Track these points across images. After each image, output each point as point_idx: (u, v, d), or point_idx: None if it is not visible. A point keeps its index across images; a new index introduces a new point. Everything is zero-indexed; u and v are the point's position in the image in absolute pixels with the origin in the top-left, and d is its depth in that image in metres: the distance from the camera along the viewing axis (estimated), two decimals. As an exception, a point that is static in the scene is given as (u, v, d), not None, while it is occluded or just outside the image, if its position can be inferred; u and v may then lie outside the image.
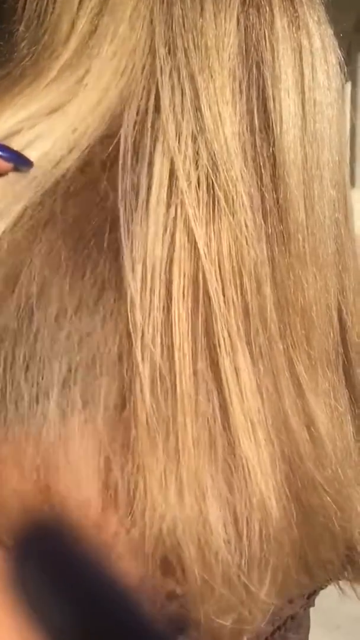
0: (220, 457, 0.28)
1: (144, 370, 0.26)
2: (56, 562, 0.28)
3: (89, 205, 0.28)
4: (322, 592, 0.41)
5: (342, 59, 0.35)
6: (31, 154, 0.28)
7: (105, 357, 0.26)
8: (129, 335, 0.26)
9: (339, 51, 0.35)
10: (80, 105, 0.29)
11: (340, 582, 0.39)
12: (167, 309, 0.27)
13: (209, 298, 0.28)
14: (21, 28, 0.30)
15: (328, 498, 0.32)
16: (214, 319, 0.28)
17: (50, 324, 0.25)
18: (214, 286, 0.28)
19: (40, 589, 0.27)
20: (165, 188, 0.28)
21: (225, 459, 0.28)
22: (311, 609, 0.43)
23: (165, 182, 0.28)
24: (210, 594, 0.28)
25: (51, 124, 0.28)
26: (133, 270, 0.27)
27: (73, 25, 0.29)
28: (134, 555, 0.28)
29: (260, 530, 0.28)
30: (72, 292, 0.26)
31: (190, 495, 0.27)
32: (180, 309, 0.27)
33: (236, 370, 0.28)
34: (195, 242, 0.28)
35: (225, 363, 0.28)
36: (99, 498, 0.27)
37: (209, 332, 0.28)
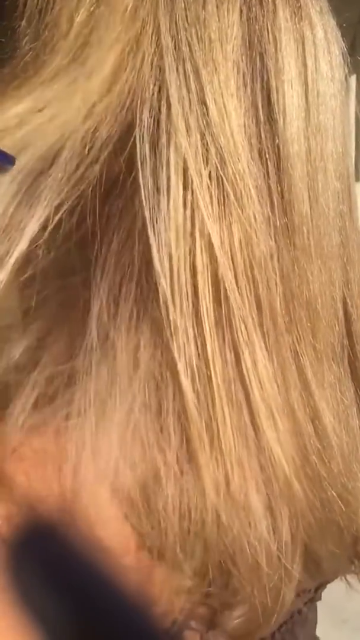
0: (252, 444, 0.29)
1: (181, 364, 0.28)
2: (57, 562, 0.28)
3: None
4: (329, 587, 0.41)
5: (346, 49, 0.35)
6: (27, 150, 0.27)
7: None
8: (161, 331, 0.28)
9: (342, 42, 0.34)
10: (84, 99, 0.28)
11: (347, 576, 0.39)
12: (196, 304, 0.28)
13: (227, 292, 0.29)
14: (23, 24, 0.30)
15: (333, 492, 0.32)
16: (232, 313, 0.29)
17: None
18: (229, 280, 0.29)
19: (39, 589, 0.27)
20: (181, 187, 0.28)
21: (255, 445, 0.29)
22: (318, 604, 0.43)
23: (181, 181, 0.28)
24: (259, 578, 0.30)
25: (50, 116, 0.28)
26: (162, 268, 0.28)
27: (72, 16, 0.29)
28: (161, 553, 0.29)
29: (289, 511, 0.30)
30: None
31: (235, 482, 0.28)
32: (207, 304, 0.28)
33: (254, 362, 0.29)
34: (211, 239, 0.28)
35: (245, 355, 0.29)
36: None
37: (230, 325, 0.29)
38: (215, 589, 0.31)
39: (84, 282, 0.29)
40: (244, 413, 0.29)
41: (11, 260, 0.27)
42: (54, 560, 0.28)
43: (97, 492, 0.29)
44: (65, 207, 0.28)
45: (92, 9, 0.29)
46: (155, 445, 0.28)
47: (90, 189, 0.28)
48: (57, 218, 0.28)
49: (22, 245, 0.27)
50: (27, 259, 0.28)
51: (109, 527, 0.30)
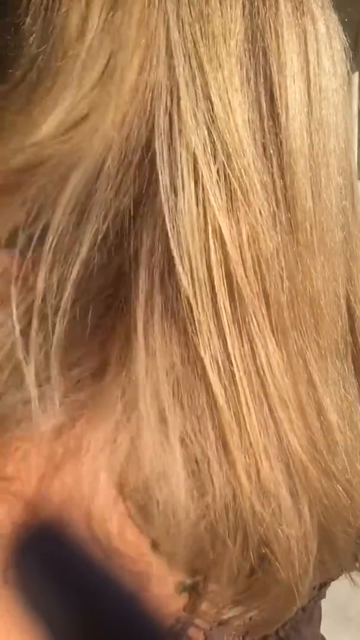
0: (272, 435, 0.30)
1: (207, 357, 0.29)
2: (61, 560, 0.28)
3: None
4: (334, 585, 0.40)
5: (348, 45, 0.34)
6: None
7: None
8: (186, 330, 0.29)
9: (344, 37, 0.34)
10: (117, 107, 0.29)
11: (352, 574, 0.39)
12: (214, 300, 0.29)
13: (239, 287, 0.29)
14: (28, 20, 0.30)
15: (339, 487, 0.32)
16: (245, 308, 0.29)
17: None
18: (241, 275, 0.29)
19: (43, 587, 0.27)
20: (193, 184, 0.28)
21: (275, 436, 0.30)
22: (323, 601, 0.43)
23: (192, 177, 0.28)
24: (292, 564, 0.31)
25: (90, 130, 0.28)
26: (183, 267, 0.28)
27: (84, 20, 0.28)
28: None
29: (309, 500, 0.31)
30: None
31: (264, 471, 0.30)
32: (224, 300, 0.29)
33: (267, 356, 0.30)
34: (222, 234, 0.29)
35: (259, 348, 0.30)
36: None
37: (245, 320, 0.30)
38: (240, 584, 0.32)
39: (120, 288, 0.29)
40: (264, 405, 0.30)
41: (69, 285, 0.28)
42: (58, 559, 0.28)
43: (108, 492, 0.30)
44: (109, 219, 0.28)
45: (108, 14, 0.28)
46: (195, 441, 0.29)
47: (127, 196, 0.29)
48: (103, 233, 0.28)
49: (77, 268, 0.28)
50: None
51: (113, 527, 0.30)
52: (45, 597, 0.27)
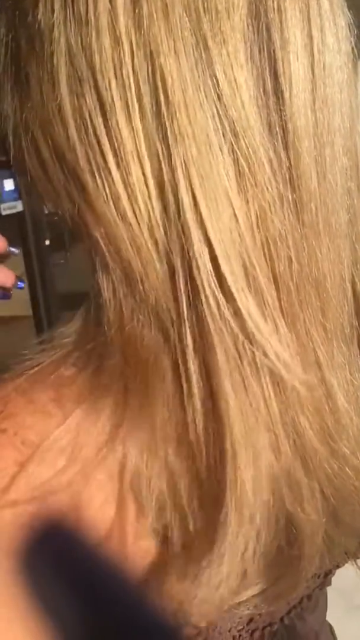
0: (284, 414, 0.30)
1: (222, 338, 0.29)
2: (67, 552, 0.28)
3: None
4: (341, 573, 0.40)
5: (352, 20, 0.34)
6: None
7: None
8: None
9: (348, 14, 0.33)
10: None
11: (359, 561, 0.39)
12: (242, 282, 0.29)
13: (254, 269, 0.29)
14: None
15: (348, 469, 0.32)
16: (257, 289, 0.29)
17: None
18: (253, 256, 0.29)
19: (49, 579, 0.27)
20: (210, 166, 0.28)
21: (286, 415, 0.30)
22: (330, 589, 0.42)
23: (210, 158, 0.28)
24: (314, 543, 0.33)
25: None
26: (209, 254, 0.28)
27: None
28: None
29: (319, 483, 0.32)
30: None
31: (286, 452, 0.30)
32: (242, 283, 0.29)
33: (279, 340, 0.30)
34: (235, 214, 0.28)
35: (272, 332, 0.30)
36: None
37: (257, 302, 0.29)
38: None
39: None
40: (276, 387, 0.30)
41: None
42: (64, 551, 0.28)
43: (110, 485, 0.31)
44: None
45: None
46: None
47: None
48: None
49: None
50: None
51: (116, 519, 0.31)
52: (51, 589, 0.27)
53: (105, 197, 0.28)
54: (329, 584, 0.40)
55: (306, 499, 0.32)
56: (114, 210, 0.28)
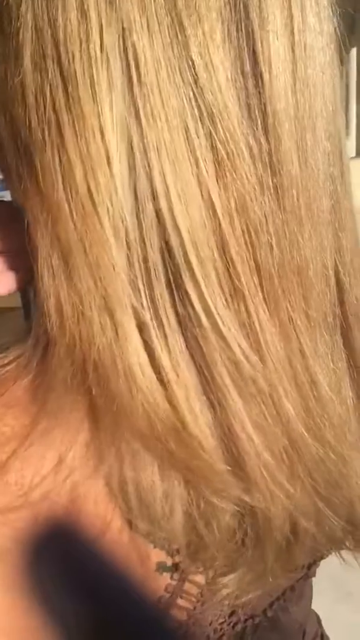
0: (269, 403, 0.30)
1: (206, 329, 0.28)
2: (70, 552, 0.28)
3: None
4: (332, 560, 0.40)
5: (348, 22, 0.33)
6: None
7: None
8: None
9: None
10: None
11: (342, 552, 0.38)
12: (217, 272, 0.28)
13: (232, 257, 0.28)
14: None
15: (334, 455, 0.32)
16: (239, 278, 0.29)
17: None
18: (233, 245, 0.28)
19: (53, 580, 0.27)
20: (185, 148, 0.27)
21: (269, 402, 0.30)
22: (321, 577, 0.42)
23: (184, 140, 0.27)
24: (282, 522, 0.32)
25: None
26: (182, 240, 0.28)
27: None
28: None
29: (302, 467, 0.32)
30: None
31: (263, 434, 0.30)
32: (221, 271, 0.28)
33: (261, 327, 0.29)
34: (213, 202, 0.27)
35: (254, 318, 0.29)
36: None
37: (238, 290, 0.29)
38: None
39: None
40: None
41: None
42: (67, 551, 0.28)
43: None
44: None
45: None
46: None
47: None
48: None
49: None
50: None
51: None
52: (56, 590, 0.27)
53: (55, 174, 0.27)
54: (313, 575, 0.39)
55: (299, 484, 0.31)
56: (62, 190, 0.27)
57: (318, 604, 0.50)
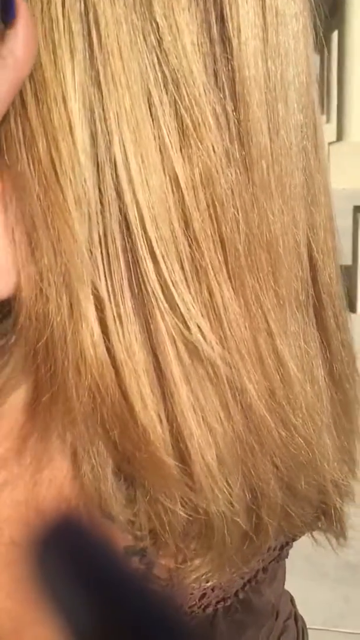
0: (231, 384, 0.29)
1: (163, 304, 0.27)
2: (79, 550, 0.28)
3: None
4: (307, 541, 0.39)
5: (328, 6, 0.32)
6: None
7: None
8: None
9: None
10: None
11: (314, 533, 0.38)
12: (177, 247, 0.27)
13: (195, 232, 0.27)
14: None
15: (300, 440, 0.31)
16: (202, 254, 0.27)
17: None
18: (197, 219, 0.27)
19: (63, 577, 0.26)
20: (148, 117, 0.26)
21: (221, 385, 0.29)
22: (295, 558, 0.42)
23: (147, 109, 0.26)
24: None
25: None
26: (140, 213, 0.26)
27: None
28: None
29: (265, 452, 0.30)
30: None
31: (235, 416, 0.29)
32: (183, 245, 0.27)
33: (224, 305, 0.28)
34: (177, 175, 0.26)
35: (217, 296, 0.28)
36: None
37: (201, 265, 0.28)
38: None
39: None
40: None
41: None
42: (77, 549, 0.28)
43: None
44: None
45: None
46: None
47: None
48: None
49: None
50: None
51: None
52: (66, 588, 0.26)
53: (18, 144, 0.26)
54: (286, 556, 0.39)
55: (261, 469, 0.30)
56: (26, 161, 0.26)
57: (293, 585, 0.50)
